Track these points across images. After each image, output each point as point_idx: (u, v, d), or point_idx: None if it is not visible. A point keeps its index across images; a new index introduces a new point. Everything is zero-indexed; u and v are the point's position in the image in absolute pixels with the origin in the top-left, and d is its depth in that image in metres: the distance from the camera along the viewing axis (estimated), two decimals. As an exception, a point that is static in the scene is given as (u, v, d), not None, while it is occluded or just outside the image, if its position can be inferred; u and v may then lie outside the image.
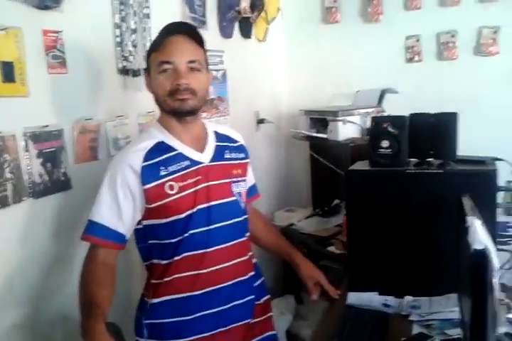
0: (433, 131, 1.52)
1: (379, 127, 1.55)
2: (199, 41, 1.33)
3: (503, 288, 1.48)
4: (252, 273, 1.45)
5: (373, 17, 2.72)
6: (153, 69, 1.30)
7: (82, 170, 1.54)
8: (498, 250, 1.46)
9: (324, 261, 2.14)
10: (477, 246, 0.85)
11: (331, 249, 2.22)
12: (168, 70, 1.27)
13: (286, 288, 2.51)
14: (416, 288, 1.52)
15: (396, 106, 2.40)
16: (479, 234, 0.89)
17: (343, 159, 2.36)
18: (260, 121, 2.73)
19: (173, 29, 1.31)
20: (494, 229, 1.39)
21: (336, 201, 2.66)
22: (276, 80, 2.97)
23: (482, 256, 0.85)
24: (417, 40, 2.65)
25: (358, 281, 1.61)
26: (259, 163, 2.68)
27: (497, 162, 1.55)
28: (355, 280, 1.62)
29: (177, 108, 1.30)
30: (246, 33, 2.56)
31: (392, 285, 1.55)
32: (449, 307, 1.38)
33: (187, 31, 1.32)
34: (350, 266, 1.64)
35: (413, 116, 1.57)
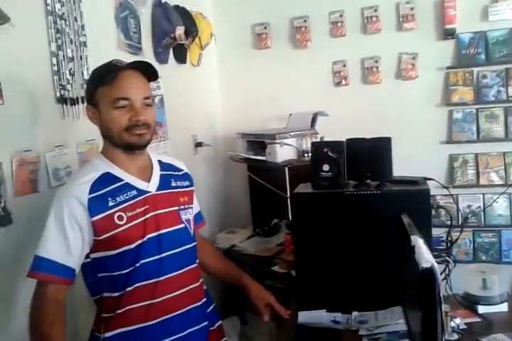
0: (369, 155, 1.63)
1: (319, 152, 1.64)
2: (150, 76, 1.36)
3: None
4: (205, 299, 1.45)
5: (302, 43, 2.87)
6: (106, 104, 1.30)
7: (23, 203, 1.48)
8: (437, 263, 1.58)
9: (269, 281, 2.18)
10: (424, 264, 0.93)
11: (275, 268, 2.26)
12: (126, 106, 1.29)
13: (230, 310, 2.51)
14: (361, 303, 1.60)
15: (328, 129, 2.53)
16: (424, 253, 0.96)
17: (281, 180, 2.44)
18: (198, 145, 2.74)
19: (126, 65, 1.32)
20: (430, 244, 1.50)
21: (275, 220, 2.72)
22: (212, 104, 3.01)
23: (430, 273, 0.93)
24: (344, 65, 2.82)
25: (306, 300, 1.66)
26: (199, 186, 2.65)
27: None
28: (304, 299, 1.67)
29: (135, 143, 1.31)
30: (181, 58, 2.59)
31: (338, 302, 1.62)
32: (394, 320, 1.46)
33: (138, 67, 1.33)
34: (298, 285, 1.69)
35: (349, 141, 1.67)
